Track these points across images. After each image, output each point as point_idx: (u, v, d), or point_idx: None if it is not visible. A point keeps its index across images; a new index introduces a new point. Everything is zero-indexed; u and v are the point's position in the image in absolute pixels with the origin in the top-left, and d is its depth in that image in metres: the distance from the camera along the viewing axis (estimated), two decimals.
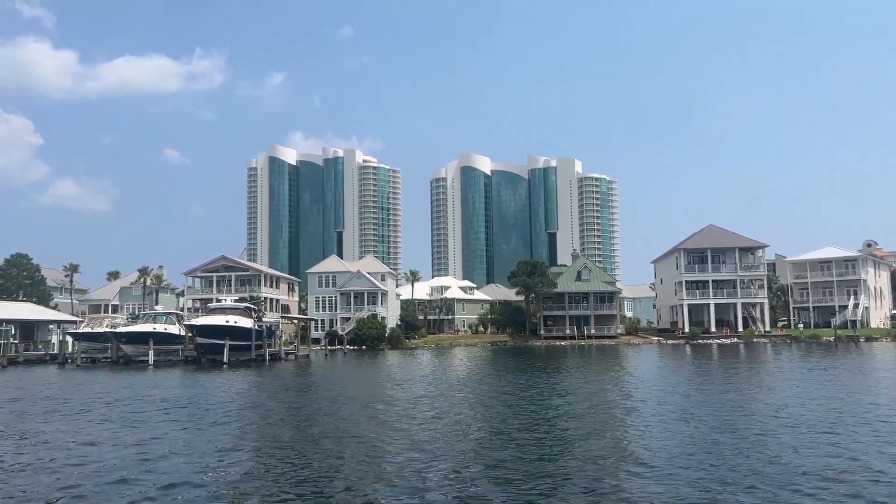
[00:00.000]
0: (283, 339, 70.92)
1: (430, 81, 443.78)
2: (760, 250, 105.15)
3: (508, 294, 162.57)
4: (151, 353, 60.07)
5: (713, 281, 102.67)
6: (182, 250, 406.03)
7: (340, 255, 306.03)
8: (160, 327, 64.87)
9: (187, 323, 62.11)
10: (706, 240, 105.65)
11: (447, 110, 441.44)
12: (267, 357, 63.36)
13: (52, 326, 77.84)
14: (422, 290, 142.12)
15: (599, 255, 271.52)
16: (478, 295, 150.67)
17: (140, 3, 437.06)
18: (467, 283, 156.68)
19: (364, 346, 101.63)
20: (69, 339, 70.11)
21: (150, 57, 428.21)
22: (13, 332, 69.81)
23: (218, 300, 79.02)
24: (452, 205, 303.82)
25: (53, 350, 73.47)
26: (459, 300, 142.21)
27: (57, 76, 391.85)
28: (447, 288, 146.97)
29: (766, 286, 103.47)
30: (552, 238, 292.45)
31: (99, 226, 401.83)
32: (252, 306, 69.92)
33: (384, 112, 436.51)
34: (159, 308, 74.04)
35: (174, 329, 66.07)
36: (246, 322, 62.73)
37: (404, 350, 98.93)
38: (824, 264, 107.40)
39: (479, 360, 64.79)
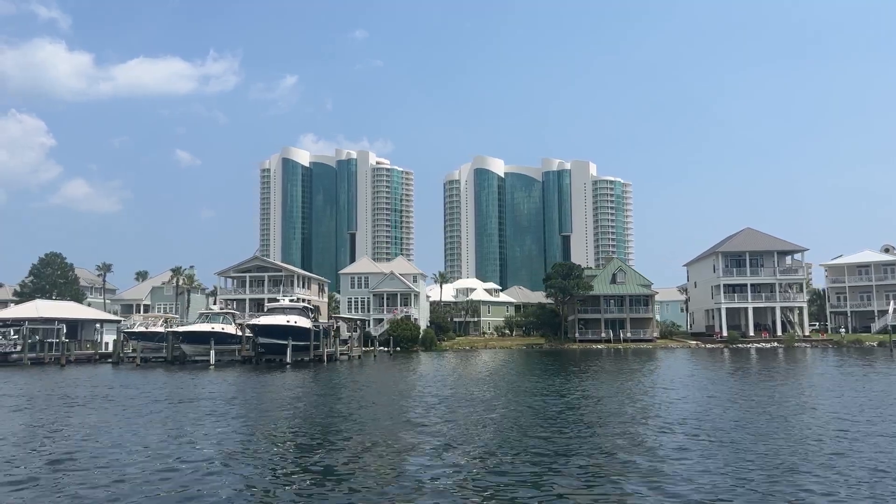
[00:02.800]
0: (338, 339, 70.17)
1: (442, 84, 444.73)
2: (799, 253, 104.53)
3: (532, 296, 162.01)
4: (213, 353, 59.55)
5: (751, 284, 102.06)
6: (193, 252, 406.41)
7: (353, 256, 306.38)
8: (217, 327, 64.38)
9: (249, 322, 61.57)
10: (744, 243, 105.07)
11: (460, 113, 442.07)
12: (325, 357, 62.84)
13: (97, 326, 77.37)
14: (446, 292, 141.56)
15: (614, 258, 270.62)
16: (502, 297, 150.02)
17: (155, 5, 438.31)
18: (492, 286, 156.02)
19: (399, 348, 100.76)
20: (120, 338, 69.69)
21: (164, 59, 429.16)
22: (65, 330, 69.38)
23: (275, 300, 78.29)
24: (466, 207, 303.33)
25: (103, 349, 73.12)
26: (485, 302, 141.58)
27: (71, 78, 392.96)
28: (472, 290, 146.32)
29: (804, 290, 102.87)
30: (566, 241, 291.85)
31: (110, 227, 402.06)
32: (309, 306, 69.44)
33: (396, 115, 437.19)
34: (215, 308, 73.67)
35: (231, 329, 65.60)
36: (305, 322, 62.24)
37: (438, 352, 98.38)
38: (862, 268, 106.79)
39: (528, 363, 63.68)
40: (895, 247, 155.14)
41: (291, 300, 74.11)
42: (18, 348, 65.52)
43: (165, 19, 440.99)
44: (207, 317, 67.68)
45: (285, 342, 58.75)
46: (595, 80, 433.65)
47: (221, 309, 71.37)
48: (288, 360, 58.13)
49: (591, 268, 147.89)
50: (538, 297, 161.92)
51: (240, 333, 64.80)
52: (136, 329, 67.38)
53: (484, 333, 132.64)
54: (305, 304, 70.52)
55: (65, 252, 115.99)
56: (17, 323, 68.51)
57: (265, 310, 72.91)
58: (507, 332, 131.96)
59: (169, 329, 64.46)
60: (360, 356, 72.42)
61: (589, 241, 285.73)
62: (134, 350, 66.03)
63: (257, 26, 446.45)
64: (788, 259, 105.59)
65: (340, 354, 68.12)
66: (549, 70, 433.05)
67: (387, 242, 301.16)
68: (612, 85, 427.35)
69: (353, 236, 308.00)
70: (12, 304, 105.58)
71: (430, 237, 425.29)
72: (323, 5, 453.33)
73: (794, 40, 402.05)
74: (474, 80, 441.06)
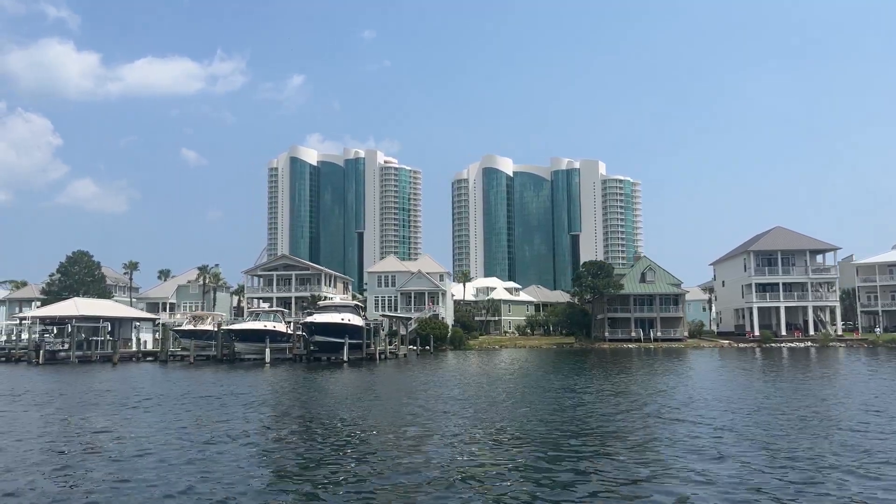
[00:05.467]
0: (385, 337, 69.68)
1: (449, 83, 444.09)
2: (831, 252, 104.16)
3: (550, 295, 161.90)
4: (268, 351, 59.00)
5: (783, 283, 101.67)
6: (201, 251, 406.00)
7: (361, 255, 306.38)
8: (269, 325, 63.82)
9: (305, 321, 60.91)
10: (775, 241, 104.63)
11: (467, 112, 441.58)
12: (377, 355, 62.31)
13: (137, 324, 76.78)
14: (467, 291, 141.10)
15: (623, 258, 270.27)
16: (522, 296, 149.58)
17: (163, 5, 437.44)
18: (512, 285, 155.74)
19: (428, 347, 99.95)
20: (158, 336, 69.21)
21: (172, 58, 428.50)
22: (109, 329, 68.80)
23: (325, 297, 77.69)
24: (474, 206, 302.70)
25: (141, 347, 72.58)
26: (505, 301, 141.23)
27: (79, 78, 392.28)
28: (493, 289, 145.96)
29: (837, 289, 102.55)
30: (575, 240, 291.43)
31: (117, 226, 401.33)
32: (360, 304, 68.91)
33: (403, 114, 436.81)
34: (265, 306, 73.10)
35: (281, 327, 65.06)
36: (358, 320, 61.73)
37: (469, 351, 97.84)
38: (894, 268, 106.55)
39: (576, 362, 62.92)
40: None
41: (344, 298, 73.49)
42: (66, 346, 64.89)
43: (173, 19, 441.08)
44: (257, 315, 67.09)
45: (341, 340, 58.17)
46: (604, 78, 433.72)
47: (270, 307, 70.66)
48: (345, 358, 57.55)
49: (617, 265, 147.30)
50: (556, 296, 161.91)
51: (290, 332, 64.24)
52: (185, 327, 66.76)
53: (505, 332, 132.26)
54: (357, 303, 70.03)
55: (73, 251, 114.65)
56: (61, 321, 67.84)
57: (314, 308, 72.22)
58: (529, 331, 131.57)
59: (222, 327, 63.76)
60: (405, 354, 71.93)
61: (598, 241, 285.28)
62: (184, 348, 65.43)
63: (265, 26, 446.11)
64: (819, 258, 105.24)
65: (390, 353, 67.64)
66: (558, 69, 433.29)
67: (395, 242, 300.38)
68: (621, 84, 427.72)
69: (360, 235, 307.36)
70: (38, 302, 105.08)
71: (438, 236, 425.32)
72: (330, 5, 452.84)
73: (797, 41, 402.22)
74: (482, 79, 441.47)
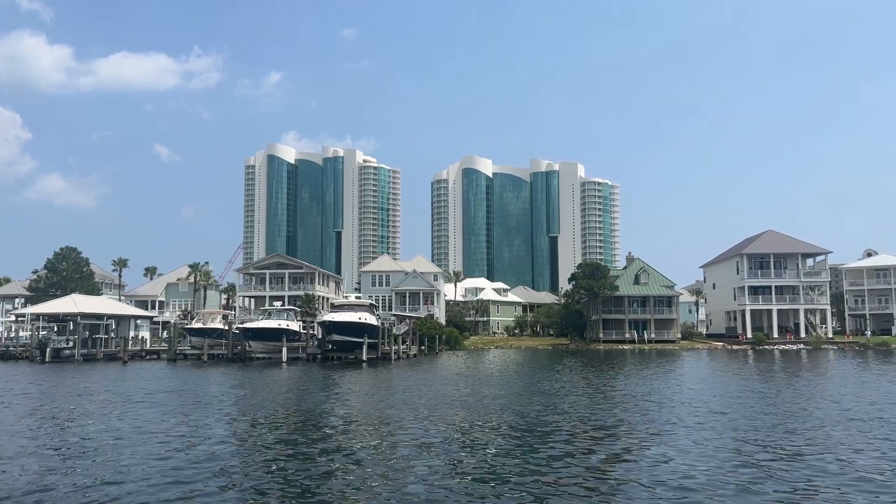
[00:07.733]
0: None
1: (428, 83, 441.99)
2: (822, 256, 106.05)
3: (537, 296, 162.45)
4: (285, 350, 58.02)
5: (775, 286, 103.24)
6: (174, 248, 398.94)
7: (339, 254, 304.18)
8: (283, 324, 62.78)
9: (323, 320, 59.99)
10: (768, 245, 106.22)
11: (448, 113, 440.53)
12: (392, 356, 61.69)
13: (137, 321, 75.09)
14: (453, 291, 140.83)
15: (601, 260, 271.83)
16: (511, 297, 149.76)
17: None
18: (500, 285, 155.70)
19: (424, 347, 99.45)
20: (165, 334, 67.77)
21: (148, 54, 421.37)
22: (113, 326, 67.13)
23: (344, 300, 76.69)
24: (453, 207, 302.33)
25: (143, 345, 71.00)
26: (494, 302, 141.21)
27: (51, 71, 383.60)
28: (481, 290, 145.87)
29: (828, 293, 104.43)
30: (553, 242, 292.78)
31: (87, 221, 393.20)
32: (374, 303, 68.14)
33: (383, 113, 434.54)
34: (278, 304, 71.84)
35: (294, 326, 64.07)
36: (373, 319, 61.04)
37: (465, 351, 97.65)
38: (880, 272, 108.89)
39: (585, 363, 62.87)
40: (877, 252, 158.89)
41: (359, 297, 72.66)
42: (70, 344, 63.14)
43: (149, 14, 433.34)
44: (269, 313, 65.89)
45: (360, 339, 57.44)
46: (585, 80, 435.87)
47: (282, 306, 69.47)
48: (363, 357, 56.86)
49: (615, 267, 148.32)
50: (542, 297, 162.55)
51: (302, 331, 63.32)
52: (194, 325, 65.39)
53: (494, 333, 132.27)
54: (371, 302, 69.25)
55: (46, 247, 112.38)
56: (63, 319, 66.00)
57: (309, 306, 71.50)
58: (517, 331, 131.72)
59: (235, 326, 62.56)
60: (416, 354, 71.41)
61: (577, 243, 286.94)
62: (193, 347, 64.07)
63: (243, 23, 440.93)
64: (810, 262, 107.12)
65: (402, 352, 67.06)
66: (538, 70, 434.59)
67: (373, 241, 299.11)
68: (602, 86, 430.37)
69: (339, 234, 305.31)
70: (22, 299, 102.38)
71: (417, 237, 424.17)
72: (310, 3, 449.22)
73: (782, 43, 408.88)
74: (462, 79, 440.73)
